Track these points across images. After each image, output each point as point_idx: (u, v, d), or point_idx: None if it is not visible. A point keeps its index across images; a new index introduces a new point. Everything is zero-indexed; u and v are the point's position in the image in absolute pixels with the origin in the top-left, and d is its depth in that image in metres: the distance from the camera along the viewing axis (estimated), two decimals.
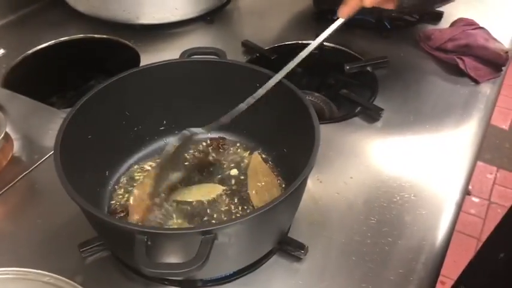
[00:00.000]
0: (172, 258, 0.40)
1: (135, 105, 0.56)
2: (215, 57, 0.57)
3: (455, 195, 0.57)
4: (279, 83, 0.52)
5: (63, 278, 0.40)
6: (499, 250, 0.51)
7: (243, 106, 0.51)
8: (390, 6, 0.59)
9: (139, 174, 0.57)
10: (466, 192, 0.61)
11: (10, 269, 0.41)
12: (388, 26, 0.85)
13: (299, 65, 0.54)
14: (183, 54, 0.58)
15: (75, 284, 0.40)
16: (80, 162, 0.48)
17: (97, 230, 0.46)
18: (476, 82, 0.73)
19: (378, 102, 0.69)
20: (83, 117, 0.49)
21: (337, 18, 0.58)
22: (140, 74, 0.55)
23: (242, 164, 0.58)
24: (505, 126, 1.96)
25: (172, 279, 0.47)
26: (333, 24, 0.58)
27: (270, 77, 0.52)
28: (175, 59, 0.57)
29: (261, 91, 0.52)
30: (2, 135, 0.58)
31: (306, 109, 0.49)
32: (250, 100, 0.52)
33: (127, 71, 0.55)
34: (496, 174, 1.74)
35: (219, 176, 0.57)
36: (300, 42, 0.82)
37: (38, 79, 0.80)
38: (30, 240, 0.52)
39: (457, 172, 0.60)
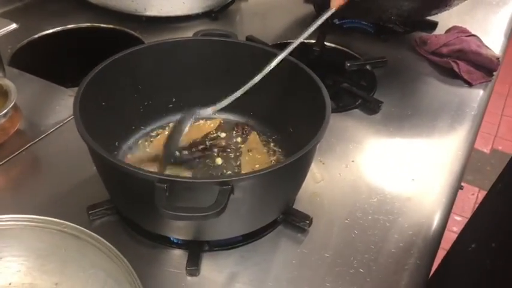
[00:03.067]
0: (188, 204, 0.41)
1: (147, 80, 0.57)
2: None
3: (451, 180, 0.60)
4: (290, 62, 0.55)
5: (80, 227, 0.41)
6: (470, 242, 0.53)
7: (246, 87, 0.53)
8: None
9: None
10: (459, 187, 0.63)
11: (25, 216, 0.41)
12: (386, 32, 0.89)
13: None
14: (195, 34, 0.59)
15: (92, 233, 0.41)
16: (93, 126, 0.49)
17: (111, 184, 0.47)
18: (470, 84, 0.76)
19: (376, 97, 0.72)
20: (99, 83, 0.51)
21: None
22: (154, 48, 0.57)
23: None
24: (486, 150, 2.03)
25: (180, 242, 0.48)
26: (326, 13, 0.61)
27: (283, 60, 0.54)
28: (188, 37, 0.58)
29: (266, 70, 0.53)
30: (12, 104, 0.58)
31: (314, 83, 0.51)
32: (256, 79, 0.53)
33: (142, 44, 0.56)
34: (477, 195, 1.80)
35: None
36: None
37: (43, 63, 0.81)
38: (35, 205, 0.52)
39: (452, 159, 0.63)
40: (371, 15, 0.84)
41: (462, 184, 0.66)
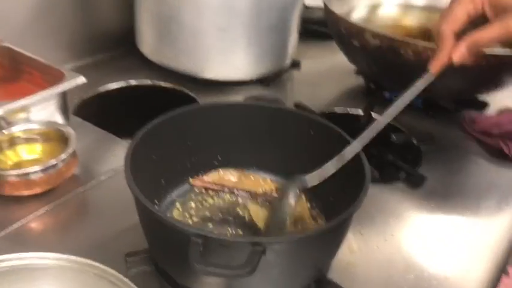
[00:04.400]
0: (221, 261, 0.41)
1: (196, 137, 0.60)
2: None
3: (495, 263, 0.58)
4: (333, 130, 0.56)
5: (116, 273, 0.42)
6: None
7: (330, 169, 0.53)
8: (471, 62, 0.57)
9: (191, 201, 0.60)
10: (504, 271, 0.61)
11: (66, 256, 0.44)
12: (435, 109, 0.89)
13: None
14: (246, 99, 0.63)
15: (127, 281, 0.42)
16: (142, 176, 0.52)
17: (150, 233, 0.49)
18: None
19: (421, 172, 0.72)
20: (151, 137, 0.54)
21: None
22: (205, 109, 0.61)
23: None
24: None
25: None
26: (423, 79, 0.57)
27: (331, 130, 0.56)
28: (238, 101, 0.62)
29: (349, 153, 0.53)
30: (70, 151, 0.63)
31: (356, 155, 0.52)
32: (338, 164, 0.53)
33: (194, 105, 0.60)
34: None
35: None
36: (348, 111, 0.87)
37: (105, 114, 0.87)
38: (78, 247, 0.55)
39: (497, 241, 0.60)
40: (423, 92, 0.85)
41: (507, 268, 0.63)
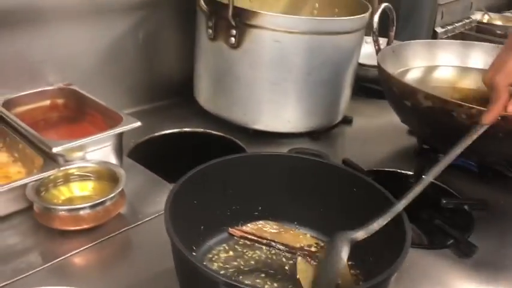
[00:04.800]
0: None
1: (237, 186, 0.61)
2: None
3: None
4: (378, 190, 0.55)
5: None
6: None
7: (375, 226, 0.52)
8: None
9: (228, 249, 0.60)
10: None
11: None
12: (491, 173, 0.85)
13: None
14: (290, 150, 0.64)
15: None
16: (181, 221, 0.53)
17: (183, 277, 0.49)
18: None
19: (471, 240, 0.68)
20: (193, 183, 0.56)
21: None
22: (248, 159, 0.62)
23: None
24: None
25: None
26: (474, 132, 0.58)
27: (375, 189, 0.55)
28: (281, 152, 0.63)
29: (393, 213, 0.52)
30: (119, 190, 0.66)
31: (398, 215, 0.51)
32: (381, 222, 0.52)
33: (238, 154, 0.61)
34: None
35: None
36: (398, 171, 0.85)
37: (156, 158, 0.90)
38: (118, 285, 0.56)
39: None
40: (477, 155, 0.82)
41: None
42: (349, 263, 0.58)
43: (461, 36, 1.77)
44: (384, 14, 0.98)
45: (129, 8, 0.95)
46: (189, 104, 1.02)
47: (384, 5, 0.95)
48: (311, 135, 0.95)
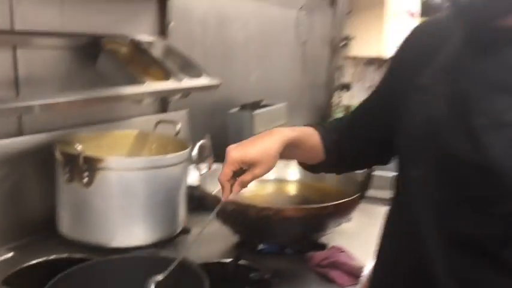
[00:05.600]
0: None
1: None
2: None
3: None
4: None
5: None
6: None
7: None
8: None
9: None
10: None
11: None
12: (288, 250, 1.19)
13: None
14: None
15: None
16: None
17: None
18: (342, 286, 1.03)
19: None
20: None
21: None
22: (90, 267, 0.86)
23: None
24: None
25: None
26: (218, 206, 0.90)
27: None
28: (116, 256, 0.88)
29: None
30: None
31: None
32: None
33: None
34: None
35: None
36: (220, 261, 1.15)
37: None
38: None
39: None
40: (274, 239, 1.17)
41: None
42: None
43: None
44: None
45: None
46: (54, 236, 1.23)
47: (199, 142, 1.33)
48: (156, 245, 1.21)
